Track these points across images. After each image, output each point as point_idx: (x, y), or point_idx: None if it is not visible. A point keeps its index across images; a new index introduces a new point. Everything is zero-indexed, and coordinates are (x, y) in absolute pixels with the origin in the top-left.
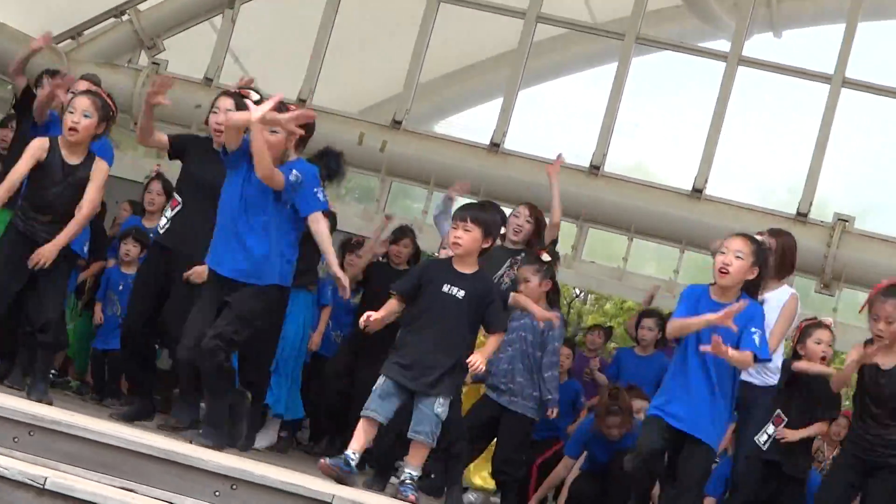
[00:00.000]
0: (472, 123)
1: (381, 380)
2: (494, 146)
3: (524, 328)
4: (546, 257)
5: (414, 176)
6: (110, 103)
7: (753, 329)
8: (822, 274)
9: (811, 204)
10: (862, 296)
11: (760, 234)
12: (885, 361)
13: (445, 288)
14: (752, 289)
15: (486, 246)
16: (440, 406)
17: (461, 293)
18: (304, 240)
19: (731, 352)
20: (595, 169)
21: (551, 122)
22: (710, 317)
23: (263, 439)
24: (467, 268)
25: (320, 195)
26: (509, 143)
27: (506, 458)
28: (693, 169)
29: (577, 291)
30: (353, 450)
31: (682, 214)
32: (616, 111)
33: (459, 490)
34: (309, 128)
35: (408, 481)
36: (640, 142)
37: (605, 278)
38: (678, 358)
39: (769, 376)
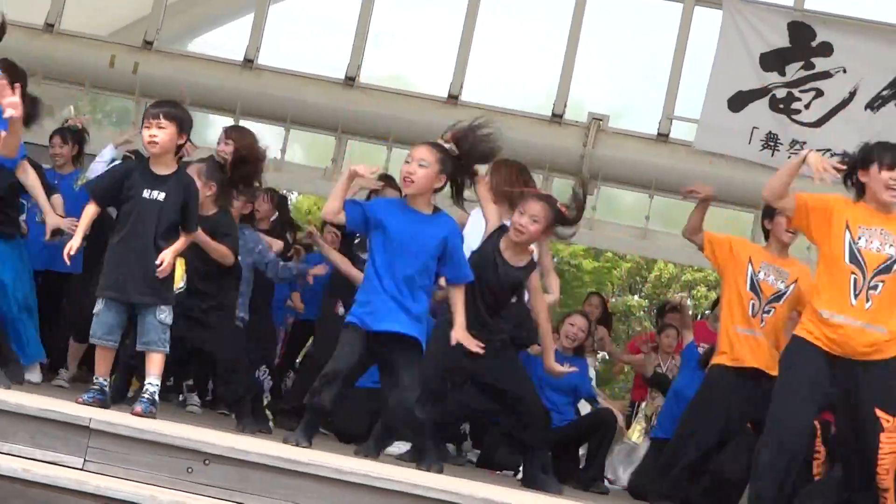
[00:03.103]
0: (226, 41)
1: (98, 302)
2: (248, 62)
3: None
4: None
5: (168, 96)
6: None
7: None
8: (580, 173)
9: (566, 105)
10: (620, 192)
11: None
12: (515, 259)
13: (146, 193)
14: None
15: (181, 143)
16: (162, 313)
17: (161, 195)
18: None
19: None
20: (350, 80)
21: (305, 36)
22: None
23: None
24: (166, 168)
25: None
26: (263, 59)
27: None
28: (450, 76)
29: None
30: (101, 375)
31: (440, 121)
32: (368, 21)
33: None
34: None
35: (146, 396)
36: (396, 51)
37: (366, 189)
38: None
39: None
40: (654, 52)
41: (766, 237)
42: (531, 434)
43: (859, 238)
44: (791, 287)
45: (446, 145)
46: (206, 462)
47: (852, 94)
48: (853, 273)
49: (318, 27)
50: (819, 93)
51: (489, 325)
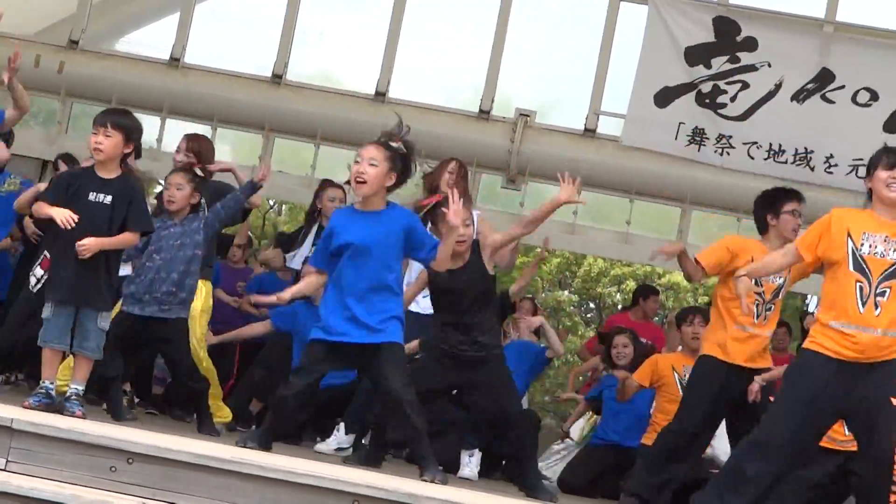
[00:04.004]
0: (152, 40)
1: (47, 307)
2: (175, 61)
3: (173, 237)
4: (200, 172)
5: (95, 96)
6: None
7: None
8: (508, 169)
9: (493, 101)
10: (547, 187)
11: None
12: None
13: (91, 196)
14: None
15: (127, 151)
16: (103, 319)
17: (108, 198)
18: None
19: None
20: (277, 78)
21: (232, 34)
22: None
23: None
24: (111, 173)
25: None
26: (190, 58)
27: (188, 365)
28: (377, 73)
29: (271, 202)
30: (47, 379)
31: (367, 118)
32: (295, 19)
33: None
34: None
35: (74, 397)
36: (325, 49)
37: (296, 187)
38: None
39: None
40: (581, 48)
41: (764, 230)
42: (520, 448)
43: (862, 245)
44: (787, 279)
45: (394, 144)
46: (130, 461)
47: (777, 87)
48: (858, 281)
49: (245, 25)
50: (745, 85)
51: (472, 327)
